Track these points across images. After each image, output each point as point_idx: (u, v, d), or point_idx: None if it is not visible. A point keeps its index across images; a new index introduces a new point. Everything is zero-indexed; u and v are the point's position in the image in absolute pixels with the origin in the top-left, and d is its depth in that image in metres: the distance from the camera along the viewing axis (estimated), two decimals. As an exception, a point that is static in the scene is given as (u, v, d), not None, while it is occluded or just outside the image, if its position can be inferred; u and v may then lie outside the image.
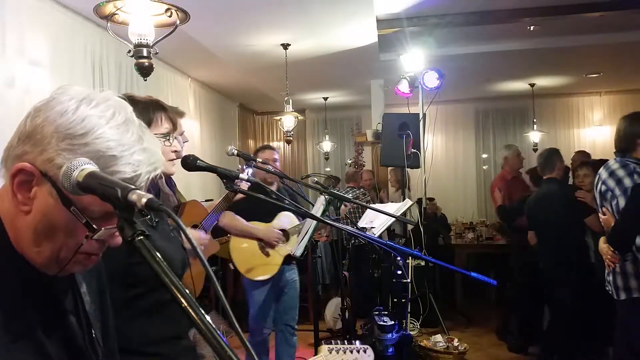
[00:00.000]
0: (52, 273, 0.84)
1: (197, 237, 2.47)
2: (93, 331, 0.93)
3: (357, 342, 1.41)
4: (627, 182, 2.52)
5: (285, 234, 3.54)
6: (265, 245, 3.42)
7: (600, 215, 2.73)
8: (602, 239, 2.85)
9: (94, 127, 0.79)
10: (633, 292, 2.56)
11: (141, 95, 1.71)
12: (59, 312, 0.88)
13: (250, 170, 2.62)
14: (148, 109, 1.60)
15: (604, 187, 2.66)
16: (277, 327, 3.66)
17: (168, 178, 2.62)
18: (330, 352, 1.38)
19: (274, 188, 3.43)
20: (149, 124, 1.59)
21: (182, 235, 0.70)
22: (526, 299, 4.69)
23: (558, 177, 4.14)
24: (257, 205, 3.40)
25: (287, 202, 2.71)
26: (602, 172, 2.72)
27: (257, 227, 3.40)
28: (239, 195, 2.92)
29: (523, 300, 4.74)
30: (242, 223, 3.35)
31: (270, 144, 9.61)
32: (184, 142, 2.50)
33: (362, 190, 5.93)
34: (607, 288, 2.77)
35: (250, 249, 3.42)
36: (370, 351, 1.39)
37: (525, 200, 4.76)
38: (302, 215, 2.64)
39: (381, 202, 6.17)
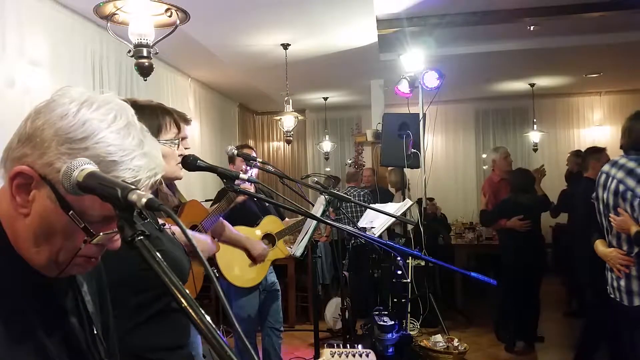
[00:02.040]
0: (52, 275, 0.84)
1: (209, 246, 2.44)
2: (95, 329, 0.93)
3: (359, 345, 1.41)
4: None
5: (272, 238, 3.50)
6: (250, 259, 3.34)
7: (612, 216, 2.59)
8: (599, 242, 2.75)
9: (95, 131, 0.79)
10: None
11: (143, 99, 1.70)
12: (60, 312, 0.88)
13: (255, 171, 2.60)
14: (157, 115, 1.59)
15: (622, 187, 2.52)
16: (263, 330, 3.62)
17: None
18: (333, 356, 1.37)
19: (253, 189, 3.38)
20: (159, 129, 1.59)
21: (184, 235, 0.70)
22: (511, 298, 4.72)
23: (593, 177, 4.12)
24: (242, 208, 3.39)
25: (283, 202, 2.71)
26: (615, 171, 2.59)
27: (245, 236, 3.29)
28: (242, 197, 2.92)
29: (509, 300, 4.77)
30: (229, 230, 3.23)
31: (271, 144, 9.68)
32: (185, 149, 2.51)
33: (365, 190, 5.96)
34: (611, 295, 2.65)
35: (237, 254, 3.30)
36: (372, 355, 1.39)
37: (505, 202, 4.84)
38: (303, 214, 2.63)
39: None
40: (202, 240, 2.42)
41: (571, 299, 6.01)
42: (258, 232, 3.47)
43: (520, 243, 4.64)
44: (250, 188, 2.67)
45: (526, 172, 4.96)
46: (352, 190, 5.88)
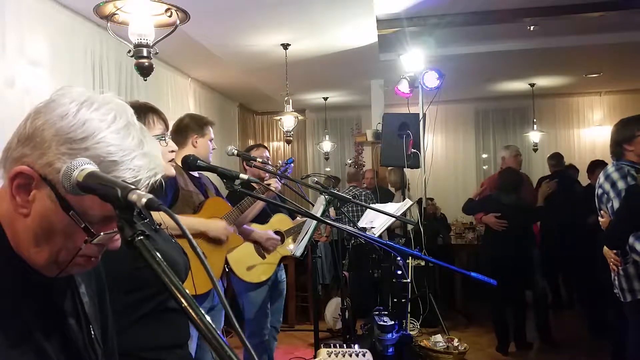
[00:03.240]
0: (52, 275, 0.84)
1: (223, 227, 2.49)
2: (92, 331, 0.93)
3: (356, 345, 1.41)
4: (620, 184, 2.62)
5: (281, 236, 3.54)
6: (263, 249, 3.41)
7: (600, 218, 2.78)
8: None
9: (95, 131, 0.78)
10: (637, 294, 2.60)
11: (129, 101, 1.72)
12: (58, 313, 0.88)
13: (280, 181, 2.68)
14: (139, 113, 1.60)
15: (600, 191, 2.75)
16: None
17: (200, 175, 2.68)
18: (329, 356, 1.37)
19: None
20: None
21: (184, 235, 0.70)
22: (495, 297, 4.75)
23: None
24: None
25: (287, 202, 2.72)
26: (600, 176, 2.80)
27: (255, 230, 3.38)
28: (260, 204, 2.98)
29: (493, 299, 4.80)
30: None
31: (271, 144, 9.68)
32: (212, 149, 2.66)
33: (367, 190, 5.97)
34: (615, 291, 2.80)
35: (247, 250, 3.38)
36: (369, 355, 1.39)
37: (488, 198, 4.88)
38: (303, 214, 2.65)
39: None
40: (214, 225, 2.46)
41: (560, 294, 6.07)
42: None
43: (497, 242, 4.68)
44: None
45: (514, 173, 4.93)
46: (353, 190, 5.89)
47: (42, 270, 0.83)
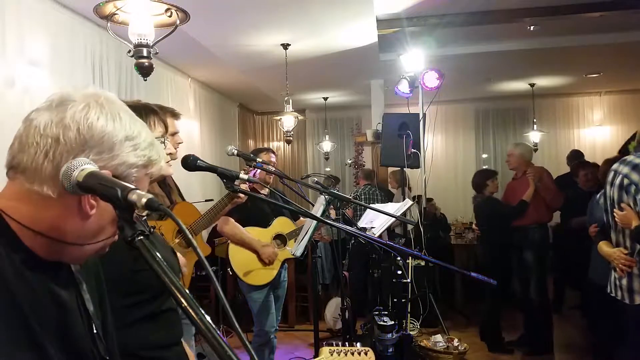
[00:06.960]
0: (80, 262, 0.92)
1: (183, 264, 2.43)
2: (95, 328, 0.93)
3: (358, 344, 1.41)
4: None
5: (282, 239, 3.55)
6: (260, 260, 3.43)
7: (616, 211, 2.56)
8: (603, 243, 2.75)
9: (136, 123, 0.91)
10: None
11: (129, 100, 1.70)
12: (60, 310, 0.88)
13: (257, 172, 2.63)
14: (140, 114, 1.59)
15: (626, 181, 2.49)
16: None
17: (169, 178, 2.64)
18: (332, 354, 1.38)
19: (266, 191, 3.43)
20: None
21: (184, 236, 0.70)
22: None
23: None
24: (255, 209, 3.43)
25: (283, 202, 2.72)
26: (621, 167, 2.57)
27: (255, 239, 3.41)
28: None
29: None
30: (241, 232, 3.38)
31: (271, 144, 9.68)
32: (178, 143, 2.54)
33: (379, 189, 6.01)
34: (612, 294, 2.62)
35: (249, 253, 3.42)
36: (371, 353, 1.39)
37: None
38: (303, 214, 2.64)
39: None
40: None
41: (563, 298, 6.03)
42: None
43: (480, 245, 4.86)
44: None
45: (478, 174, 4.94)
46: (367, 189, 5.91)
47: (77, 261, 0.90)
